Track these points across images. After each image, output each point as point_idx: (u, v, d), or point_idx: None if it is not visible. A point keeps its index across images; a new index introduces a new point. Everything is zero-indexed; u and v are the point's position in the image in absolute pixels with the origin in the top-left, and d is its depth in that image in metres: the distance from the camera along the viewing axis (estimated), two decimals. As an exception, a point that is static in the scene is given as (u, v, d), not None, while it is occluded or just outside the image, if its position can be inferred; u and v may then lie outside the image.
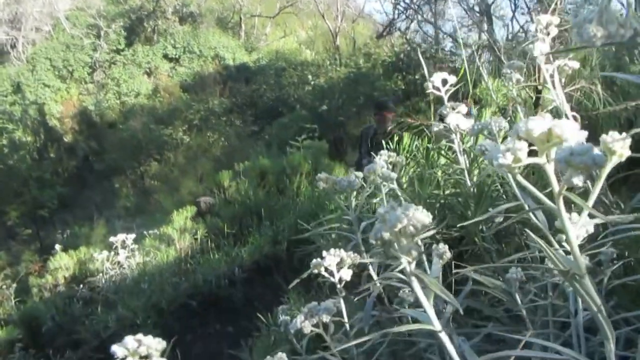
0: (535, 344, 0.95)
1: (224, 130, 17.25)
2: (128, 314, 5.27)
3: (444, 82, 1.55)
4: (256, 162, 9.62)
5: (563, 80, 1.57)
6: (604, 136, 0.62)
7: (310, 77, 16.43)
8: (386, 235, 0.64)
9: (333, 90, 14.27)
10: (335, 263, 1.01)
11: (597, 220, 0.64)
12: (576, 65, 1.52)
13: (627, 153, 0.61)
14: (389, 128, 5.52)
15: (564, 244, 0.87)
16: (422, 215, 0.64)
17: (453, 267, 1.40)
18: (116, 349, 0.84)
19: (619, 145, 0.60)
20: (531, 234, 0.82)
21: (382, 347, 1.08)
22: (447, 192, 1.58)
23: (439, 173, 1.54)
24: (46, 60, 24.29)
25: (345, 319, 1.04)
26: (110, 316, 5.45)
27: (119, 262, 6.95)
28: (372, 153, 6.00)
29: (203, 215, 8.18)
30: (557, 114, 1.52)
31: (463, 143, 1.47)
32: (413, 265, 0.66)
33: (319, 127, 14.09)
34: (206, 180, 11.58)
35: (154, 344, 0.83)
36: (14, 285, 8.66)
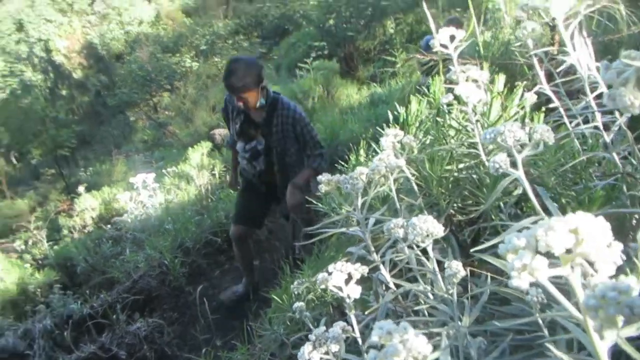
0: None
1: (231, 54, 16.89)
2: (155, 254, 5.42)
3: (452, 38, 1.42)
4: (267, 89, 9.47)
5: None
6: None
7: (313, -11, 15.75)
8: (384, 367, 0.59)
9: (339, 3, 13.68)
10: (343, 279, 0.99)
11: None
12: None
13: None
14: (256, 106, 3.74)
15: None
16: (422, 345, 0.58)
17: (470, 245, 1.37)
18: None
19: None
20: None
21: None
22: (460, 166, 1.53)
23: (452, 143, 1.45)
24: (44, -6, 23.72)
25: (357, 334, 1.02)
26: (138, 256, 5.62)
27: (142, 202, 7.09)
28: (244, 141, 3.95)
29: (219, 149, 8.20)
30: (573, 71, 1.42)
31: (475, 113, 1.36)
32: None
33: (328, 45, 13.69)
34: (219, 110, 11.51)
35: None
36: (46, 227, 8.94)
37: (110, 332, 4.52)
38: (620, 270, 0.57)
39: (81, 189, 9.48)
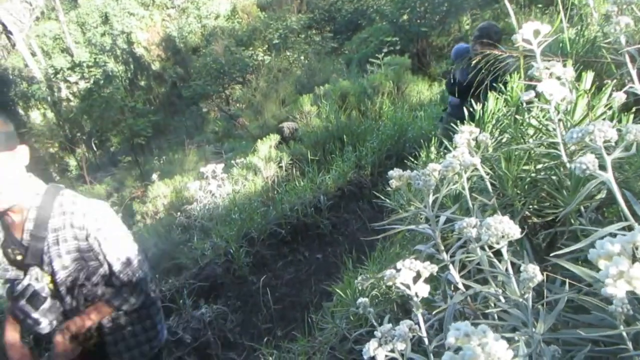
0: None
1: (303, 48, 17.01)
2: (222, 242, 5.55)
3: (536, 33, 1.34)
4: (336, 84, 9.49)
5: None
6: None
7: (388, -16, 15.59)
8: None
9: (414, -2, 13.46)
10: (411, 277, 0.96)
11: None
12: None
13: None
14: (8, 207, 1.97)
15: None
16: (502, 350, 0.54)
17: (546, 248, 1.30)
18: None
19: None
20: None
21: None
22: (538, 166, 1.45)
23: (530, 142, 1.37)
24: (128, -12, 24.89)
25: (424, 334, 0.99)
26: (205, 244, 5.77)
27: (210, 191, 7.28)
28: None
29: (287, 142, 8.29)
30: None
31: (558, 112, 1.28)
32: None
33: (400, 40, 13.53)
34: (288, 104, 11.64)
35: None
36: (121, 212, 9.36)
37: (177, 316, 4.67)
38: None
39: (155, 176, 9.86)
